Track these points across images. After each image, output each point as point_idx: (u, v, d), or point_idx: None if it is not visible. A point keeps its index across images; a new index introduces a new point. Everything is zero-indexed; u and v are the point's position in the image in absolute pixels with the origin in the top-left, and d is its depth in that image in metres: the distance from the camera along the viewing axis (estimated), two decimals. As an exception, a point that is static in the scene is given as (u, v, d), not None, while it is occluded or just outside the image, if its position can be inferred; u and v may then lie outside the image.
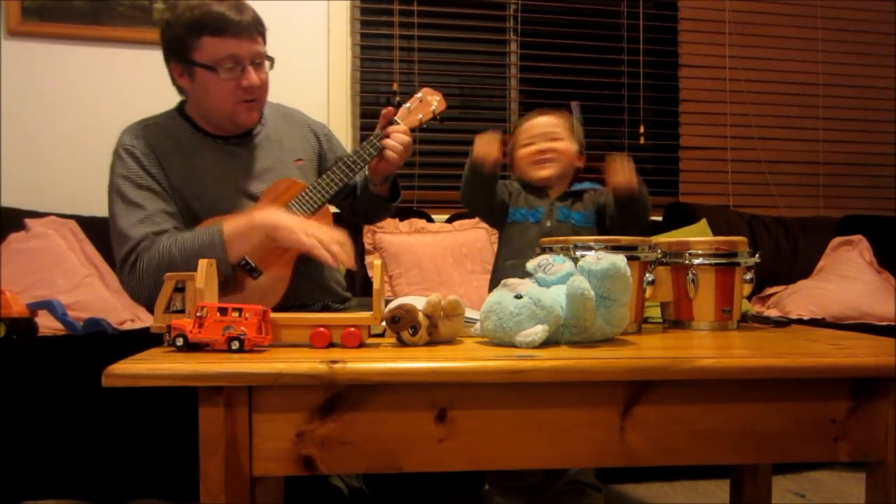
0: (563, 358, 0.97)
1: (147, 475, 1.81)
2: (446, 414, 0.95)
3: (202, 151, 1.62)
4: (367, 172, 1.70)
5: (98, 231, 2.47)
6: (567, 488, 1.67)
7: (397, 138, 1.63)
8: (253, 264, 1.52)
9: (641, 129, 3.31)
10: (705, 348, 1.13)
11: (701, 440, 1.00)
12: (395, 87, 3.08)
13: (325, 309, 1.68)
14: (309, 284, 1.65)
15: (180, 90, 1.64)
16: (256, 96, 1.59)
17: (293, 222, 1.48)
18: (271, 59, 1.61)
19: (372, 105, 3.10)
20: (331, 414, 0.94)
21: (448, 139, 3.08)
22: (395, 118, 1.66)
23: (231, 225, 1.49)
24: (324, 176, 1.64)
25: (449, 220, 2.83)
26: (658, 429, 0.99)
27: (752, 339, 1.23)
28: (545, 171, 1.64)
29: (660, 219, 3.02)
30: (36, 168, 2.70)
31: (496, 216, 1.67)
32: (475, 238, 2.72)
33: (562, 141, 1.66)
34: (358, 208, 1.82)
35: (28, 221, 2.40)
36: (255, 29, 1.56)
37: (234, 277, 1.52)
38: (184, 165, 1.59)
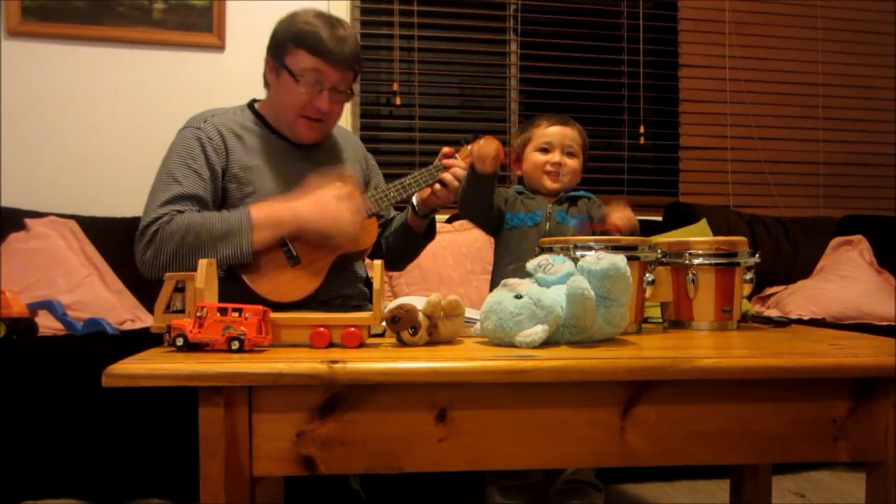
0: (563, 358, 0.97)
1: (147, 475, 1.81)
2: (446, 414, 0.95)
3: (265, 145, 1.68)
4: (413, 203, 1.76)
5: (98, 231, 2.48)
6: (566, 487, 1.68)
7: (457, 173, 1.68)
8: (294, 252, 1.58)
9: (641, 129, 3.31)
10: (705, 348, 1.13)
11: (701, 440, 1.00)
12: (396, 87, 3.08)
13: (343, 305, 1.71)
14: (335, 282, 1.67)
15: (266, 82, 1.72)
16: (322, 119, 1.66)
17: (316, 217, 1.55)
18: (351, 93, 1.69)
19: (372, 105, 3.10)
20: (331, 414, 0.94)
21: (448, 139, 3.08)
22: (455, 155, 1.72)
23: (261, 213, 1.54)
24: (379, 189, 1.70)
25: (449, 221, 2.83)
26: (658, 429, 0.99)
27: (752, 339, 1.23)
28: (556, 184, 1.68)
29: (660, 219, 3.02)
30: (36, 168, 2.70)
31: (494, 223, 1.69)
32: (475, 238, 2.72)
33: (576, 158, 1.69)
34: (387, 242, 1.86)
35: (28, 221, 2.40)
36: (349, 63, 1.64)
37: (273, 259, 1.57)
38: (246, 155, 1.65)
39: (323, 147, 1.78)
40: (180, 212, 1.54)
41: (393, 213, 1.89)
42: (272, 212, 1.55)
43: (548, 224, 1.62)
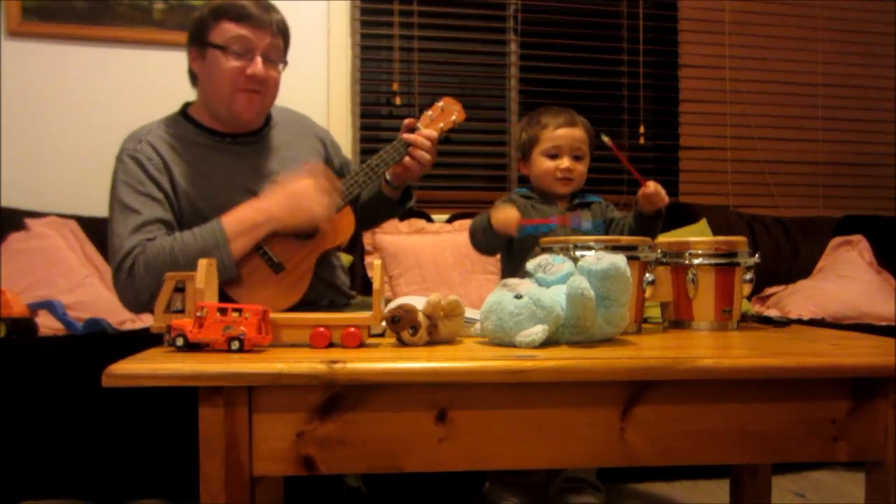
0: (563, 358, 0.97)
1: (147, 475, 1.81)
2: (446, 414, 0.95)
3: (208, 151, 1.62)
4: (386, 176, 1.70)
5: (98, 231, 2.47)
6: (566, 486, 1.68)
7: (421, 142, 1.63)
8: (276, 259, 1.54)
9: (641, 129, 3.31)
10: (705, 348, 1.13)
11: (701, 440, 1.00)
12: (396, 87, 3.08)
13: (331, 305, 1.69)
14: (318, 281, 1.65)
15: (193, 78, 1.65)
16: (259, 89, 1.59)
17: (288, 211, 1.50)
18: (284, 63, 1.64)
19: (372, 105, 3.10)
20: (331, 414, 0.94)
21: (447, 139, 3.07)
22: (417, 125, 1.67)
23: (232, 221, 1.49)
24: (347, 177, 1.64)
25: (449, 220, 2.83)
26: (658, 429, 0.99)
27: (752, 339, 1.23)
28: (566, 189, 1.67)
29: (660, 219, 3.02)
30: (36, 168, 2.69)
31: (502, 249, 1.68)
32: (475, 238, 2.71)
33: (584, 161, 1.68)
34: (362, 212, 1.80)
35: (28, 221, 2.40)
36: (276, 28, 1.60)
37: (257, 271, 1.53)
38: (190, 166, 1.58)
39: (269, 135, 1.71)
40: (150, 239, 1.48)
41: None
42: (243, 217, 1.50)
43: (563, 232, 1.61)
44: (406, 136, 1.63)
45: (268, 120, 1.72)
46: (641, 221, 1.58)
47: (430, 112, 1.70)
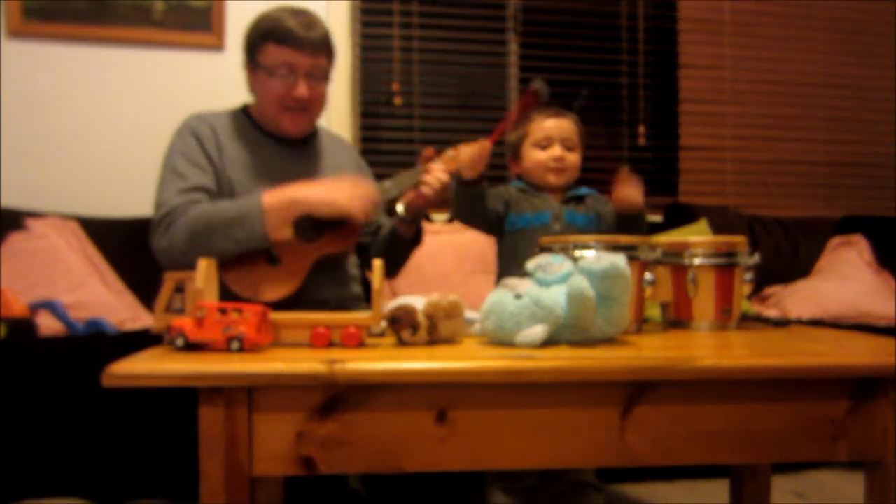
0: (563, 358, 0.97)
1: (147, 475, 1.81)
2: (446, 414, 0.95)
3: (260, 147, 1.69)
4: (399, 212, 1.74)
5: (98, 231, 2.48)
6: (567, 488, 1.67)
7: (436, 175, 1.65)
8: (273, 254, 1.56)
9: (641, 129, 3.31)
10: (705, 348, 1.13)
11: (701, 440, 1.00)
12: (396, 86, 3.08)
13: (339, 307, 1.69)
14: (329, 286, 1.66)
15: (250, 86, 1.73)
16: (305, 107, 1.67)
17: (327, 195, 1.54)
18: (329, 79, 1.70)
19: (372, 104, 3.10)
20: (331, 414, 0.94)
21: (448, 139, 3.08)
22: (436, 159, 1.68)
23: (271, 196, 1.53)
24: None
25: (449, 220, 2.83)
26: (658, 429, 0.99)
27: (751, 339, 1.23)
28: (559, 179, 1.65)
29: (660, 219, 3.02)
30: (36, 168, 2.69)
31: (492, 224, 1.66)
32: (475, 238, 2.71)
33: (575, 151, 1.67)
34: (376, 251, 1.83)
35: (28, 221, 2.40)
36: (319, 46, 1.65)
37: (251, 257, 1.55)
38: (241, 156, 1.66)
39: (317, 150, 1.79)
40: (194, 202, 1.54)
41: (384, 220, 1.86)
42: (282, 192, 1.54)
43: (557, 225, 1.61)
44: (424, 171, 1.65)
45: (316, 130, 1.80)
46: (620, 224, 1.58)
47: (450, 152, 1.68)
